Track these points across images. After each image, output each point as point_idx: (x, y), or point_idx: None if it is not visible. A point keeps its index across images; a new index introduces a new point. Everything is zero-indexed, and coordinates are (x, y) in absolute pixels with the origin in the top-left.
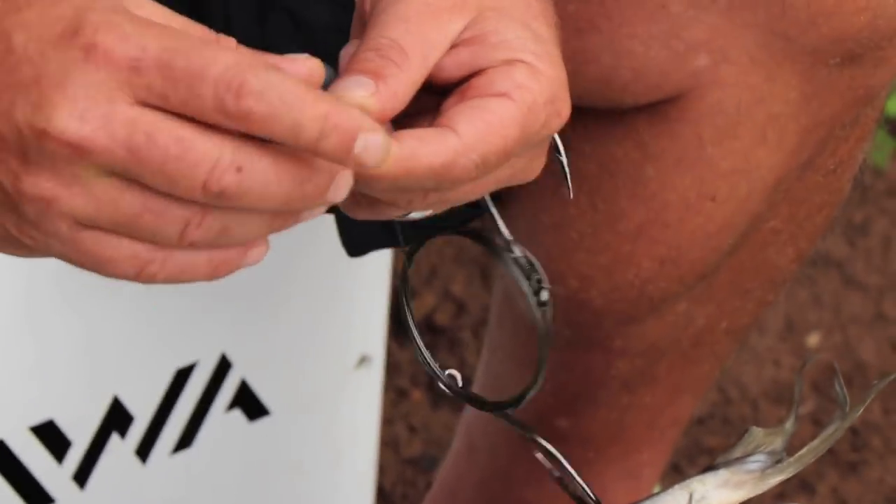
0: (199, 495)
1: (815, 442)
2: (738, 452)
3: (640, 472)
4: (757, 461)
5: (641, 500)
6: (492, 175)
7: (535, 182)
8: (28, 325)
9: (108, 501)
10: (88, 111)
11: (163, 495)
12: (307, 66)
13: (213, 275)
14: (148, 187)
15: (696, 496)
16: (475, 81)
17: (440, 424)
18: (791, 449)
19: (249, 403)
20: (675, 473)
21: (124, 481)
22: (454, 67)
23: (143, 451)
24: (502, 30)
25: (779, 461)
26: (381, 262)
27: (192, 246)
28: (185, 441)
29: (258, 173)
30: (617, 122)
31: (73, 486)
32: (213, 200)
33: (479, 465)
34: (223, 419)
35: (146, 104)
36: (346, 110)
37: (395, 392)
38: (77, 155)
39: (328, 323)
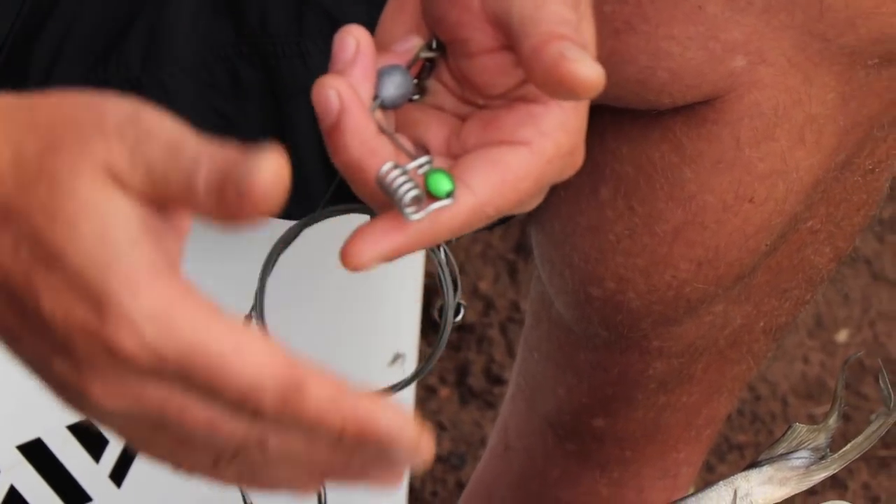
0: (231, 493)
1: (860, 438)
2: (781, 449)
3: (677, 471)
4: (801, 458)
5: (685, 497)
6: None
7: (571, 185)
8: None
9: (145, 500)
10: (118, 392)
11: (197, 494)
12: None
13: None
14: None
15: (740, 492)
16: (503, 116)
17: (469, 421)
18: (833, 445)
19: None
20: (705, 470)
21: (160, 480)
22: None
23: None
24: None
25: (823, 458)
26: (414, 260)
27: (233, 481)
28: None
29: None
30: (654, 123)
31: (110, 484)
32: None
33: (514, 464)
34: None
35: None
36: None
37: (423, 389)
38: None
39: (362, 320)
